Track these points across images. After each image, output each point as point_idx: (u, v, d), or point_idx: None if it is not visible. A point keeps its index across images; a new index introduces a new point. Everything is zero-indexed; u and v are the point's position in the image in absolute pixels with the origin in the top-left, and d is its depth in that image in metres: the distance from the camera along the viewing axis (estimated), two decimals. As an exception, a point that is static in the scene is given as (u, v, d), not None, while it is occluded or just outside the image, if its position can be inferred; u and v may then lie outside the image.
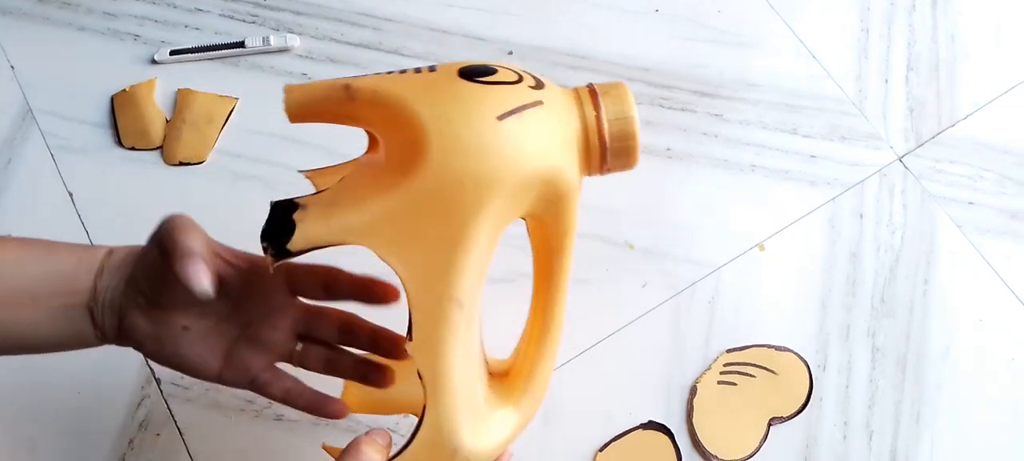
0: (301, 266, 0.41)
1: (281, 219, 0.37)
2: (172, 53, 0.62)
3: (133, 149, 0.59)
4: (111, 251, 0.39)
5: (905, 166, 0.59)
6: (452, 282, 0.36)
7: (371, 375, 0.43)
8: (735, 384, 0.52)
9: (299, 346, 0.42)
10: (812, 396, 0.51)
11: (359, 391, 0.45)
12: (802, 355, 0.52)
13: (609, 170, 0.40)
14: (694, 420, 0.51)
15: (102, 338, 0.39)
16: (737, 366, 0.52)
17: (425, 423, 0.36)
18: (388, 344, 0.43)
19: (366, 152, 0.44)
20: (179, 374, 0.41)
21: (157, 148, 0.59)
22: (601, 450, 0.50)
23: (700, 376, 0.52)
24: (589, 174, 0.41)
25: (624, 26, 0.63)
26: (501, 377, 0.42)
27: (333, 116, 0.40)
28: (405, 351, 0.36)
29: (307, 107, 0.40)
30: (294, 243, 0.36)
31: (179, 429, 0.51)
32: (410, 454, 0.36)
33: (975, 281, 0.55)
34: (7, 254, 0.38)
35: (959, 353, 0.53)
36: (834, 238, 0.56)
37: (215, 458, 0.50)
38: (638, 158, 0.40)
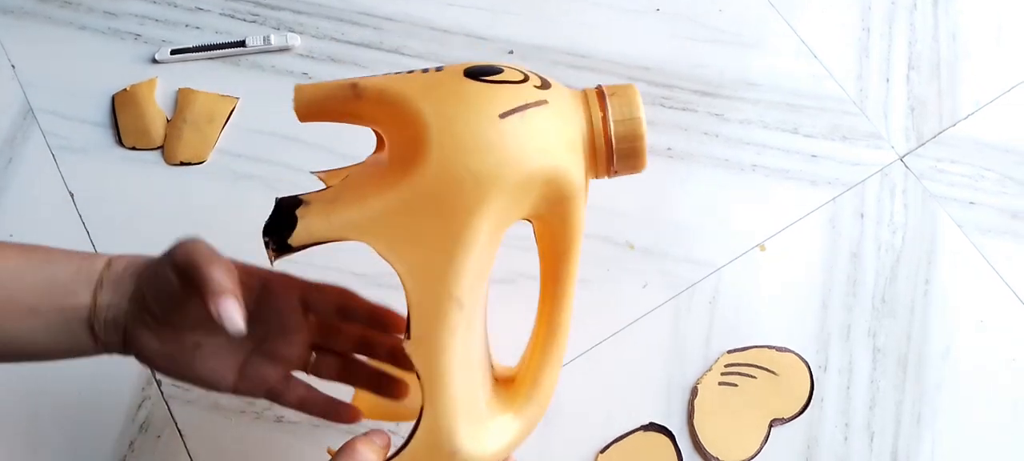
0: (316, 286, 0.41)
1: (284, 215, 0.37)
2: (173, 52, 0.62)
3: (134, 149, 0.59)
4: (109, 262, 0.39)
5: (906, 166, 0.58)
6: (451, 281, 0.35)
7: (385, 386, 0.43)
8: (736, 385, 0.52)
9: (313, 356, 0.42)
10: (813, 397, 0.51)
11: (371, 397, 0.44)
12: (803, 356, 0.52)
13: (616, 173, 0.40)
14: (695, 421, 0.51)
15: (104, 350, 0.39)
16: (738, 367, 0.52)
17: (422, 424, 0.36)
18: (406, 358, 0.42)
19: (374, 152, 0.44)
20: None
21: (158, 148, 0.59)
22: (602, 452, 0.50)
23: (701, 377, 0.52)
24: (597, 177, 0.41)
25: (625, 25, 0.63)
26: (506, 383, 0.41)
27: (340, 114, 0.40)
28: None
29: (315, 105, 0.40)
30: (295, 238, 0.36)
31: (180, 431, 0.51)
32: (407, 455, 0.36)
33: (976, 281, 0.55)
34: (5, 262, 0.38)
35: (960, 353, 0.53)
36: (835, 238, 0.56)
37: (215, 460, 0.50)
38: (646, 161, 0.40)
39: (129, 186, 0.58)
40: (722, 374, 0.52)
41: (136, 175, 0.59)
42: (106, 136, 0.60)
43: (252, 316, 0.39)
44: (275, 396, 0.41)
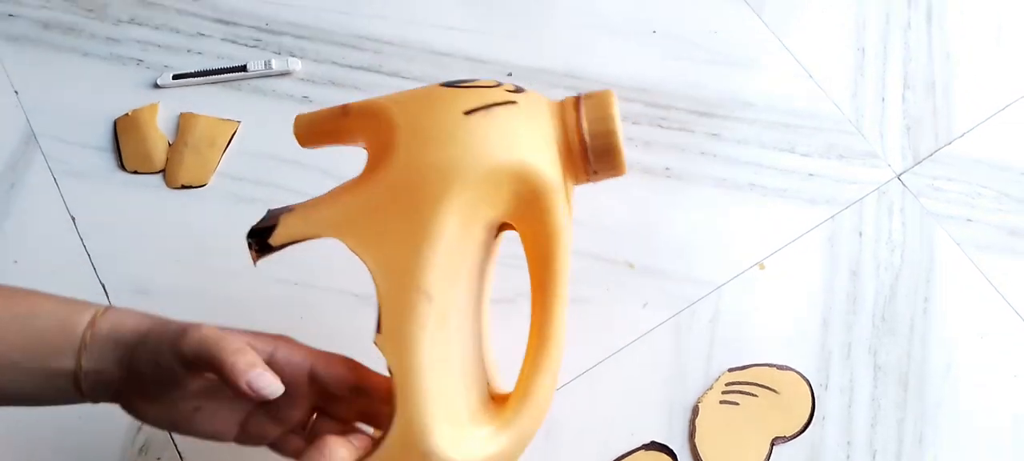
0: (324, 357, 0.39)
1: (268, 219, 0.39)
2: (175, 77, 0.63)
3: (135, 173, 0.60)
4: (93, 321, 0.37)
5: (903, 184, 0.59)
6: (419, 273, 0.36)
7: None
8: (737, 404, 0.51)
9: (314, 416, 0.40)
10: (814, 415, 0.51)
11: None
12: (804, 374, 0.52)
13: (596, 172, 0.41)
14: (696, 440, 0.50)
15: (93, 402, 0.38)
16: (739, 385, 0.52)
17: (395, 422, 0.35)
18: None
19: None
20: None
21: (159, 172, 0.60)
22: (603, 471, 0.50)
23: (702, 396, 0.52)
24: (577, 181, 0.41)
25: (622, 48, 0.64)
26: (502, 399, 0.41)
27: (335, 135, 0.43)
28: None
29: (313, 130, 0.43)
30: (275, 238, 0.38)
31: (179, 453, 0.51)
32: (382, 454, 0.35)
33: (975, 298, 0.55)
34: None
35: (960, 371, 0.53)
36: (834, 256, 0.56)
37: (216, 482, 0.50)
38: (624, 160, 0.40)
39: (130, 210, 0.58)
40: (723, 393, 0.52)
41: (137, 199, 0.59)
42: (108, 161, 0.60)
43: None
44: (276, 448, 0.40)
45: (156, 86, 0.63)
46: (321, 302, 0.54)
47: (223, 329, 0.36)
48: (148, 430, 0.51)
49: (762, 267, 0.56)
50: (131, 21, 0.65)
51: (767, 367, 0.52)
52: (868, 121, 0.61)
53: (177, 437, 0.51)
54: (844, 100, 0.62)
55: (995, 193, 0.58)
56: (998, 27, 0.64)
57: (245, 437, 0.39)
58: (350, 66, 0.64)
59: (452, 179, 0.36)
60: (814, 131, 0.61)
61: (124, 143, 0.61)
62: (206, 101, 0.62)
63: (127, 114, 0.62)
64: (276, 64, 0.63)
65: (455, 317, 0.38)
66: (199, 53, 0.64)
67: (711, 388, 0.52)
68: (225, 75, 0.63)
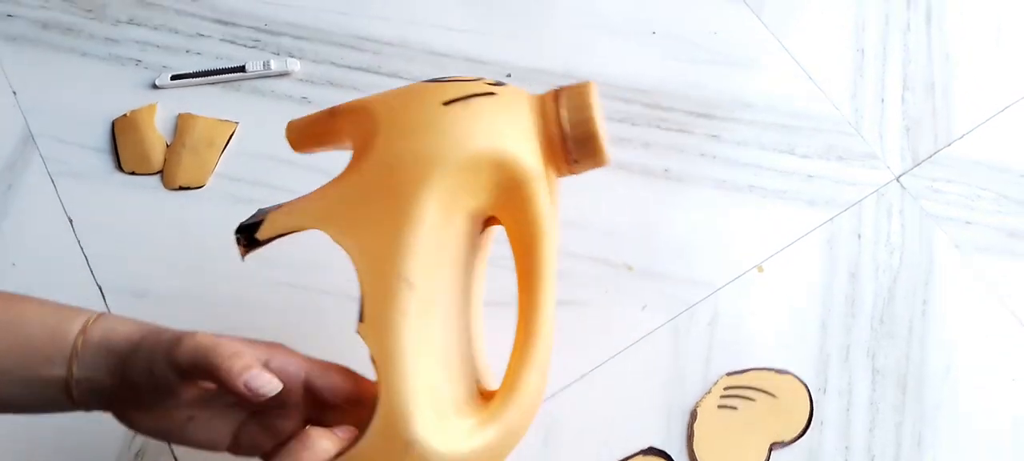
0: (321, 366, 0.39)
1: (256, 216, 0.40)
2: (173, 78, 0.63)
3: (133, 174, 0.60)
4: (85, 328, 0.37)
5: (902, 186, 0.59)
6: (399, 261, 0.36)
7: None
8: (736, 408, 0.51)
9: (307, 427, 0.40)
10: (813, 420, 0.51)
11: None
12: (802, 378, 0.52)
13: (577, 162, 0.41)
14: (695, 445, 0.50)
15: (85, 410, 0.38)
16: (737, 390, 0.52)
17: (378, 411, 0.35)
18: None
19: None
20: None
21: (157, 173, 0.60)
22: (601, 474, 0.50)
23: (700, 400, 0.52)
24: (559, 170, 0.41)
25: (621, 48, 0.64)
26: (491, 397, 0.41)
27: (326, 137, 0.44)
28: None
29: (305, 134, 0.44)
30: (262, 232, 0.39)
31: (176, 458, 0.51)
32: (364, 444, 0.35)
33: (974, 301, 0.55)
34: None
35: (959, 373, 0.52)
36: (833, 258, 0.56)
37: (213, 485, 0.50)
38: (605, 149, 0.40)
39: (128, 211, 0.58)
40: (721, 397, 0.52)
41: (135, 200, 0.59)
42: (106, 161, 0.60)
43: None
44: (268, 458, 0.40)
45: (154, 87, 0.63)
46: (319, 304, 0.54)
47: (218, 336, 0.36)
48: (146, 432, 0.51)
49: (761, 270, 0.56)
50: (130, 21, 0.65)
51: (765, 371, 0.52)
52: (867, 122, 0.61)
53: (175, 439, 0.51)
54: (843, 101, 0.62)
55: (994, 195, 0.58)
56: (998, 28, 0.64)
57: (238, 447, 0.39)
58: (349, 67, 0.64)
59: (431, 166, 0.37)
60: (813, 132, 0.61)
61: (122, 144, 0.61)
62: (204, 102, 0.62)
63: (125, 115, 0.61)
64: (275, 65, 0.63)
65: (440, 308, 0.38)
66: (198, 54, 0.64)
67: (709, 392, 0.52)
68: (224, 76, 0.63)
